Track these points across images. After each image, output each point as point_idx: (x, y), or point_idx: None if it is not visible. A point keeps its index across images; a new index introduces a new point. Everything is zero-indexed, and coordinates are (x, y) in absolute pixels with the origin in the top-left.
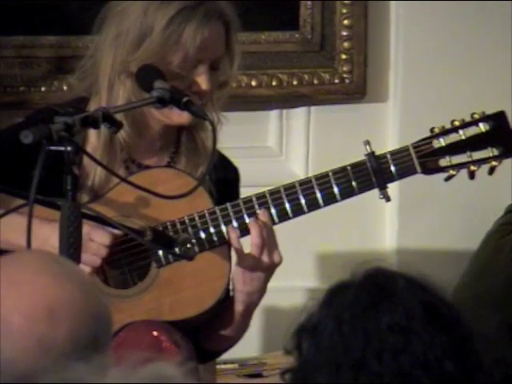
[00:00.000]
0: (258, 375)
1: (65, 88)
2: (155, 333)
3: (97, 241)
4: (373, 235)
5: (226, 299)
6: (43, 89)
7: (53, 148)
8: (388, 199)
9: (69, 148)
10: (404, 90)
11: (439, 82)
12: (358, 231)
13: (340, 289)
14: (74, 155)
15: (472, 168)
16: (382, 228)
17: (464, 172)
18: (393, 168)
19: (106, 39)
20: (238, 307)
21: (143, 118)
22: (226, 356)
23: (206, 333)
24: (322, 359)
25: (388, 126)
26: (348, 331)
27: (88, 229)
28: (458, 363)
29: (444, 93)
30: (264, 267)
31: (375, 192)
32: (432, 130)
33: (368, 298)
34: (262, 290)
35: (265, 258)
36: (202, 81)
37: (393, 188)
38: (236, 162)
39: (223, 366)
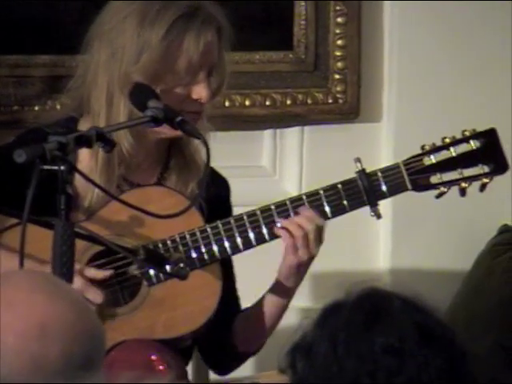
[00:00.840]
0: None
1: (58, 107)
2: (147, 352)
3: (89, 298)
4: (366, 255)
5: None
6: (37, 108)
7: (46, 167)
8: (379, 216)
9: (62, 167)
10: (398, 111)
11: (433, 103)
12: (351, 251)
13: (334, 309)
14: (68, 174)
15: (463, 185)
16: (376, 248)
17: (457, 192)
18: (383, 185)
19: (98, 59)
20: (276, 307)
21: (143, 129)
22: (219, 376)
23: (242, 336)
24: (317, 380)
25: (382, 147)
26: (342, 352)
27: (82, 285)
28: None
29: (438, 113)
30: (305, 262)
31: (368, 212)
32: (423, 147)
33: (362, 319)
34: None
35: (303, 255)
36: (203, 87)
37: (386, 208)
38: (230, 181)
39: None
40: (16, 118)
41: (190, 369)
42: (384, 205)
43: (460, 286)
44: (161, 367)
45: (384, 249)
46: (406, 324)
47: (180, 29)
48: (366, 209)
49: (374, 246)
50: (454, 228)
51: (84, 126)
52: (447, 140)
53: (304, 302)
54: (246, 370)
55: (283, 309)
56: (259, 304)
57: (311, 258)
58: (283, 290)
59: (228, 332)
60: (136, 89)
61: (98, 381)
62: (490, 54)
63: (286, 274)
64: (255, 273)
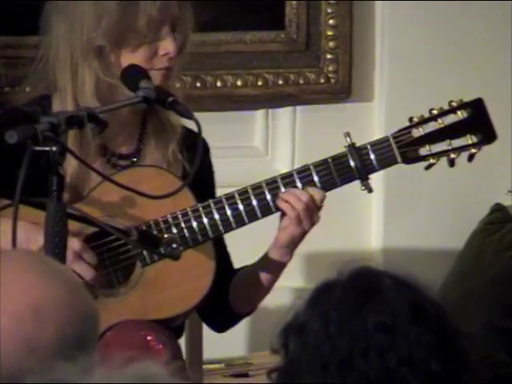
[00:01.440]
0: (245, 375)
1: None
2: (142, 332)
3: (86, 259)
4: (359, 235)
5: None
6: (28, 89)
7: (38, 148)
8: (370, 190)
9: (54, 148)
10: (389, 90)
11: (425, 82)
12: (343, 231)
13: (326, 288)
14: (60, 155)
15: (452, 156)
16: (368, 227)
17: (449, 171)
18: (373, 159)
19: (58, 33)
20: (271, 272)
21: (114, 96)
22: (212, 356)
23: (238, 296)
24: (309, 359)
25: (374, 126)
26: (334, 331)
27: (79, 246)
28: (445, 362)
29: (430, 92)
30: (306, 231)
31: (360, 192)
32: (411, 119)
33: (354, 297)
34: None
35: (305, 225)
36: (169, 42)
37: (378, 187)
38: (222, 161)
39: (210, 366)
40: (7, 99)
41: (183, 347)
42: (376, 184)
43: (452, 264)
44: (156, 347)
45: (376, 228)
46: (398, 302)
47: None
48: (358, 188)
49: (366, 226)
50: (447, 207)
51: (56, 103)
52: (435, 111)
53: (296, 281)
54: (238, 351)
55: (278, 273)
56: (255, 267)
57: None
58: (279, 256)
59: (225, 292)
60: (127, 70)
61: (91, 361)
62: (478, 34)
63: (287, 243)
64: (248, 245)
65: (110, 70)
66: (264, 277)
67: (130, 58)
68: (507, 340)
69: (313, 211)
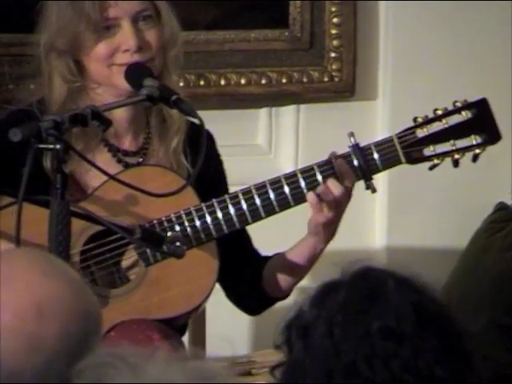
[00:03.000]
0: (248, 374)
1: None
2: (147, 331)
3: None
4: (362, 234)
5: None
6: (32, 87)
7: (42, 146)
8: (374, 190)
9: (58, 146)
10: (393, 88)
11: (428, 80)
12: (347, 230)
13: (330, 289)
14: (64, 153)
15: (456, 156)
16: (372, 227)
17: (453, 170)
18: (377, 159)
19: (39, 42)
20: (308, 260)
21: (84, 101)
22: (214, 354)
23: (272, 282)
24: (314, 363)
25: (377, 124)
26: (339, 336)
27: None
28: (449, 367)
29: (433, 91)
30: (333, 221)
31: (364, 190)
32: (415, 119)
33: (359, 301)
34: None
35: (327, 213)
36: (127, 37)
37: (382, 186)
38: (225, 159)
39: None
40: (11, 96)
41: (186, 345)
42: (380, 183)
43: (456, 263)
44: (162, 345)
45: (380, 227)
46: (402, 306)
47: None
48: (362, 187)
49: (369, 225)
50: (451, 205)
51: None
52: (439, 111)
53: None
54: (241, 349)
55: (311, 261)
56: (290, 253)
57: (339, 216)
58: (312, 243)
59: (258, 278)
60: (131, 68)
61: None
62: (483, 32)
63: (314, 230)
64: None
65: (79, 74)
66: (298, 262)
67: (88, 58)
68: (509, 339)
69: (331, 201)
